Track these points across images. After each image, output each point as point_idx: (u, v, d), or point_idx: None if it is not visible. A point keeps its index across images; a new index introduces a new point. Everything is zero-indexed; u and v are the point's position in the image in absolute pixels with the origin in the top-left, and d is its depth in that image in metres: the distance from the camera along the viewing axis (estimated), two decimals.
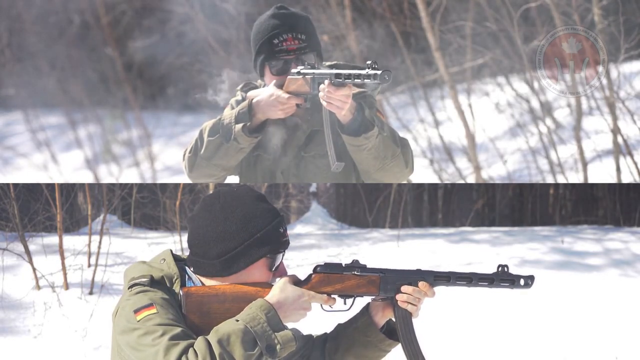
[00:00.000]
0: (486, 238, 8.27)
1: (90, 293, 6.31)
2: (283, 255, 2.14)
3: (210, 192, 4.11)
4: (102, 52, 8.13)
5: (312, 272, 2.15)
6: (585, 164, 6.04)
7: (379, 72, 2.62)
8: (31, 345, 5.71)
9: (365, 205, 9.17)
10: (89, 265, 6.66)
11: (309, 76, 2.81)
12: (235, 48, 7.52)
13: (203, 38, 7.63)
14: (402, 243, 7.97)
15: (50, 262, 6.57)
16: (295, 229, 9.05)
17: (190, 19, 7.61)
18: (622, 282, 6.95)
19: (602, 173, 6.06)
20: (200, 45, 7.82)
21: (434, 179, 6.79)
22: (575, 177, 6.18)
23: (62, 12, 8.19)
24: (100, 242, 6.59)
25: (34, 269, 6.32)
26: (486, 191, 9.52)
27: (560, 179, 6.34)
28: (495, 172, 6.73)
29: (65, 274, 6.33)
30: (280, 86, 2.86)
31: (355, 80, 2.67)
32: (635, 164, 5.81)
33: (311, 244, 7.97)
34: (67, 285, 6.36)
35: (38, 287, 6.35)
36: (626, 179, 5.88)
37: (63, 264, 6.31)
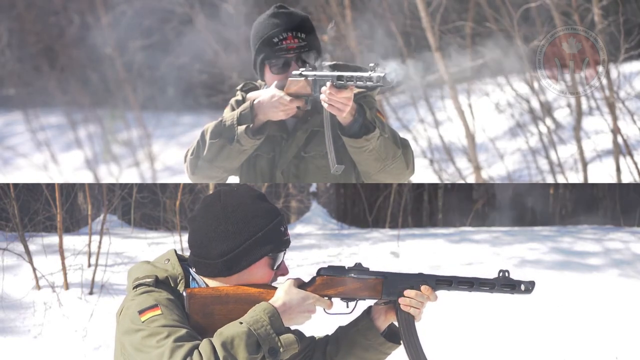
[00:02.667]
0: (486, 238, 8.27)
1: (90, 293, 6.32)
2: (284, 254, 2.15)
3: (211, 192, 4.11)
4: (102, 52, 8.12)
5: (315, 274, 2.15)
6: (585, 164, 6.04)
7: (382, 74, 2.62)
8: (31, 345, 5.71)
9: (365, 205, 9.16)
10: (89, 265, 6.66)
11: (311, 78, 2.81)
12: (235, 48, 7.52)
13: (203, 38, 7.62)
14: (402, 243, 7.97)
15: (50, 262, 6.57)
16: (295, 229, 9.05)
17: (190, 19, 7.61)
18: (622, 282, 6.95)
19: (602, 173, 6.06)
20: (200, 45, 7.82)
21: (434, 179, 6.79)
22: (575, 177, 6.18)
23: (62, 12, 8.19)
24: (100, 242, 6.59)
25: (34, 269, 6.32)
26: (486, 191, 9.52)
27: (560, 179, 6.34)
28: (495, 172, 6.72)
29: (65, 274, 6.33)
30: (281, 87, 2.86)
31: (358, 82, 2.67)
32: (635, 164, 5.81)
33: (311, 244, 7.97)
34: (67, 285, 6.36)
35: (38, 287, 6.35)
36: (626, 179, 5.88)
37: (63, 264, 6.31)
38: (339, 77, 2.71)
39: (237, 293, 2.06)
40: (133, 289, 2.07)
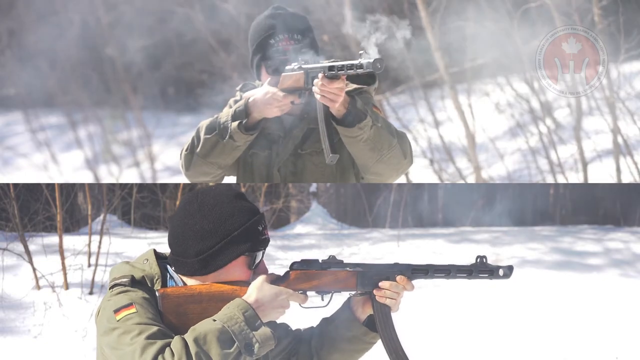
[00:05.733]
0: (486, 238, 8.27)
1: (90, 293, 6.32)
2: (263, 253, 2.15)
3: None
4: (102, 52, 8.12)
5: (289, 269, 2.15)
6: (585, 164, 6.04)
7: (370, 60, 2.62)
8: (31, 345, 5.71)
9: (365, 205, 9.16)
10: (89, 265, 6.66)
11: (303, 71, 2.81)
12: (235, 48, 7.52)
13: (203, 38, 7.62)
14: (402, 243, 7.97)
15: (50, 262, 6.57)
16: (295, 229, 9.05)
17: (190, 19, 7.60)
18: (622, 282, 6.95)
19: (602, 173, 6.06)
20: (200, 45, 7.82)
21: (434, 179, 6.79)
22: (575, 177, 6.18)
23: (62, 12, 8.19)
24: (100, 242, 6.60)
25: (34, 269, 6.32)
26: (486, 191, 9.52)
27: (560, 179, 6.34)
28: (495, 172, 6.72)
29: (65, 274, 6.34)
30: (274, 84, 2.87)
31: (348, 71, 2.67)
32: (635, 164, 5.81)
33: (311, 244, 7.97)
34: (67, 285, 6.36)
35: (38, 287, 6.36)
36: (626, 179, 5.88)
37: (63, 264, 6.31)
38: (330, 68, 2.72)
39: (211, 291, 2.06)
40: (110, 289, 2.08)
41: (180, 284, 2.12)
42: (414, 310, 6.02)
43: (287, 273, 2.14)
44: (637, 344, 5.78)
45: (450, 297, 6.28)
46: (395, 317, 2.20)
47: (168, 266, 2.15)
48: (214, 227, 2.07)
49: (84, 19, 8.23)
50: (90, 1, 8.13)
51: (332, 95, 2.73)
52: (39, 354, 5.62)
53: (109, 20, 8.07)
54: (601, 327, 6.00)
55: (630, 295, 6.64)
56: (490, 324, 6.06)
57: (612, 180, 5.89)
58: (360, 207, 9.33)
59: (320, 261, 2.16)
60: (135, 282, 2.07)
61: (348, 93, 2.79)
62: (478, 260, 2.19)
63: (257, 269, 2.14)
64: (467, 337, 5.85)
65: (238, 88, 3.05)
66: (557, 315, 6.21)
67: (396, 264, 2.19)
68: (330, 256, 2.18)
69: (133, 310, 1.97)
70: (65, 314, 6.06)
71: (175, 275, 2.14)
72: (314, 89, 2.75)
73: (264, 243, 2.13)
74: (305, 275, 2.14)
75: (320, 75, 2.73)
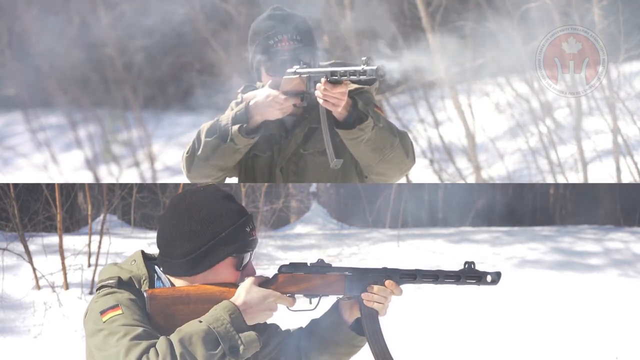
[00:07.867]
0: (486, 238, 8.27)
1: (90, 293, 6.32)
2: (251, 254, 2.15)
3: None
4: (102, 52, 8.12)
5: (277, 271, 2.15)
6: (585, 164, 6.04)
7: (374, 67, 2.63)
8: (31, 345, 5.71)
9: (365, 205, 9.16)
10: (89, 265, 6.66)
11: (305, 75, 2.81)
12: (235, 48, 7.52)
13: (203, 38, 7.62)
14: (402, 243, 7.97)
15: (50, 262, 6.58)
16: (295, 229, 9.05)
17: (190, 19, 7.60)
18: (622, 282, 6.95)
19: (602, 173, 6.06)
20: (200, 46, 7.81)
21: (434, 179, 6.79)
22: (575, 177, 6.18)
23: (62, 12, 8.18)
24: (100, 242, 6.60)
25: (34, 269, 6.33)
26: (486, 191, 9.52)
27: (560, 179, 6.34)
28: (495, 172, 6.72)
29: (65, 274, 6.34)
30: (276, 86, 2.87)
31: (351, 77, 2.68)
32: (635, 164, 5.81)
33: (311, 244, 7.97)
34: (67, 285, 6.36)
35: (38, 287, 6.36)
36: (626, 179, 5.88)
37: (63, 264, 6.31)
38: (333, 73, 2.72)
39: (198, 293, 2.07)
40: (97, 290, 2.10)
41: (168, 284, 2.13)
42: (406, 312, 6.02)
43: (275, 276, 2.14)
44: (637, 344, 5.78)
45: (447, 297, 6.28)
46: (383, 320, 2.21)
47: (156, 267, 2.16)
48: (201, 228, 2.08)
49: (84, 19, 8.23)
50: (90, 1, 8.12)
51: (334, 100, 2.73)
52: (39, 354, 5.62)
53: (109, 20, 8.06)
54: (601, 327, 6.00)
55: (630, 295, 6.64)
56: (489, 324, 6.06)
57: (612, 180, 5.88)
58: (360, 207, 9.33)
59: (308, 264, 2.16)
60: (123, 284, 2.09)
61: (349, 94, 2.79)
62: (466, 265, 2.19)
63: (244, 270, 2.15)
64: (465, 338, 5.85)
65: (240, 90, 3.05)
66: (557, 315, 6.21)
67: (384, 269, 2.19)
68: (318, 260, 2.18)
69: (119, 311, 1.98)
70: (65, 314, 6.06)
71: (163, 276, 2.15)
72: (317, 93, 2.75)
73: (252, 244, 2.14)
74: (294, 279, 2.14)
75: (322, 79, 2.73)
